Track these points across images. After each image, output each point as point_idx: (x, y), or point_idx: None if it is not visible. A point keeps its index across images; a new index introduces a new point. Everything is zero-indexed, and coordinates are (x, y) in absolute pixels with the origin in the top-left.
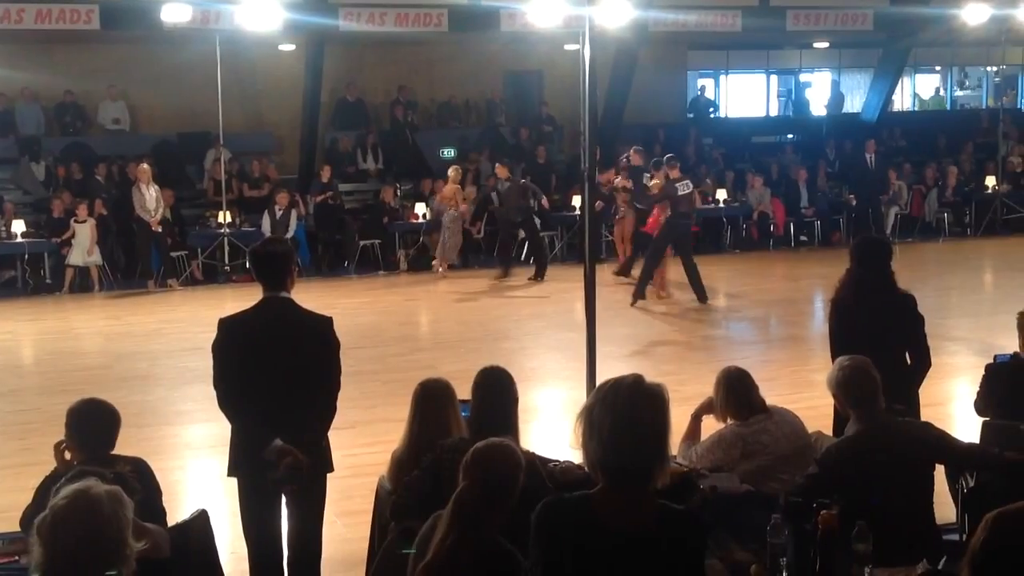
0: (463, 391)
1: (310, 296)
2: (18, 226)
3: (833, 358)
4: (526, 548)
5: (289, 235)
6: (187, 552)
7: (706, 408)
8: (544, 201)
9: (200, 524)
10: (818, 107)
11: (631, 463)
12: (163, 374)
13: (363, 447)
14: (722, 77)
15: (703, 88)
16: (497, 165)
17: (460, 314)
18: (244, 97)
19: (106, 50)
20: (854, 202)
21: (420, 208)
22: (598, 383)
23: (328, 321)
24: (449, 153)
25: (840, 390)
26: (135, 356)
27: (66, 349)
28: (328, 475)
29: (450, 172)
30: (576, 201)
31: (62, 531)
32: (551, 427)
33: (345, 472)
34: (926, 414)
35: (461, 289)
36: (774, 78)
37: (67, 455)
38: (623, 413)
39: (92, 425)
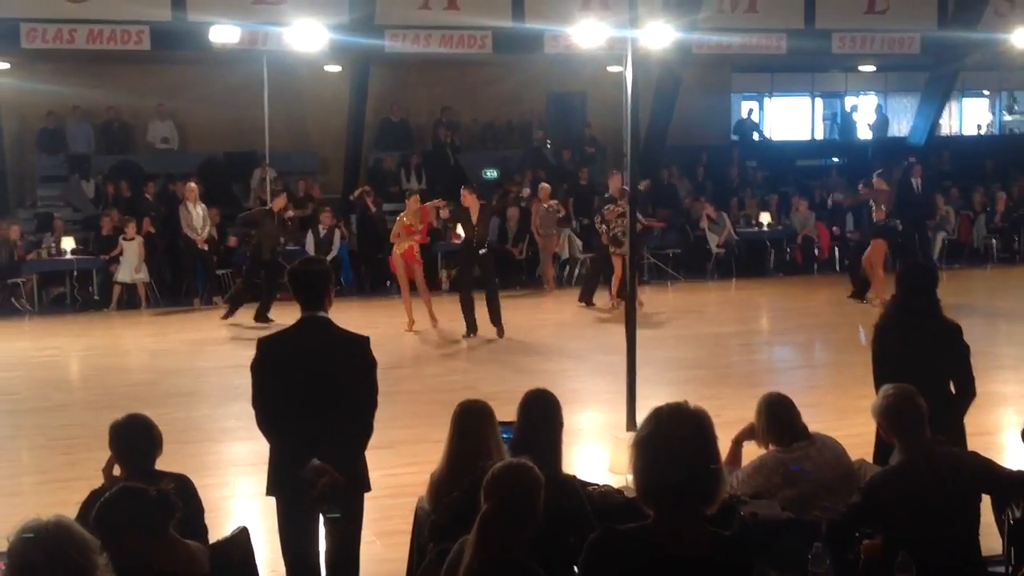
0: (502, 413)
1: (351, 315)
2: (68, 243)
3: (876, 385)
4: (560, 565)
5: (332, 254)
6: (228, 569)
7: (747, 434)
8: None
9: (241, 541)
10: (863, 130)
11: (684, 489)
12: (207, 391)
13: (402, 467)
14: (766, 99)
15: (751, 111)
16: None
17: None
18: (290, 117)
19: (156, 70)
20: (900, 227)
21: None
22: (638, 406)
23: (365, 340)
24: (491, 174)
25: (885, 418)
26: (180, 373)
27: (112, 365)
28: (367, 495)
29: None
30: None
31: (23, 560)
32: (591, 450)
33: (384, 492)
34: (973, 443)
35: (503, 310)
36: (819, 101)
37: (116, 471)
38: (674, 439)
39: (135, 441)
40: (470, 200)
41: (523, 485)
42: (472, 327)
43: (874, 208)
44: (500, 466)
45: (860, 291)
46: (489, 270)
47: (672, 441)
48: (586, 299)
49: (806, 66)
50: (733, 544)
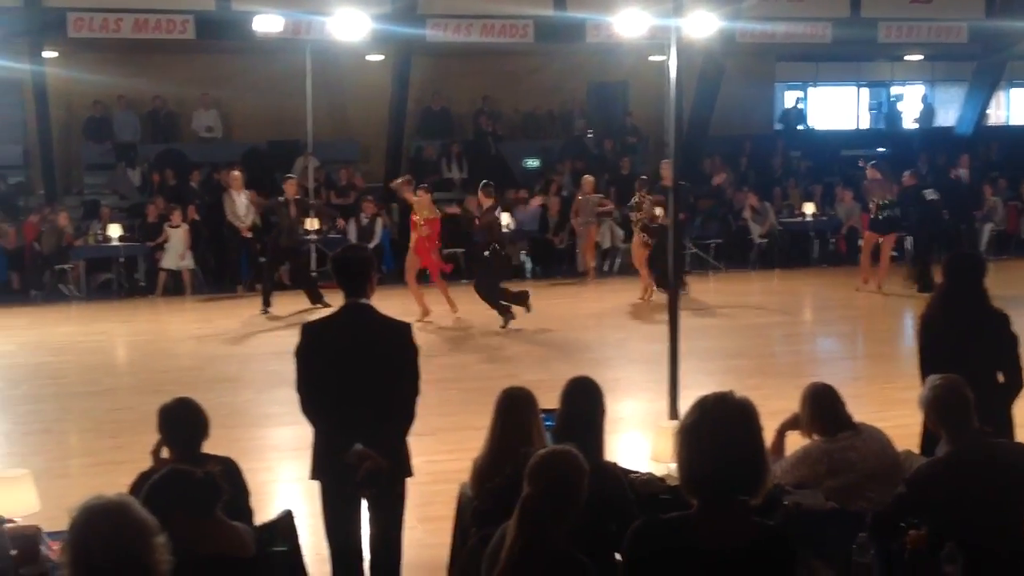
0: (544, 400)
1: (393, 303)
2: (114, 230)
3: (922, 376)
4: (602, 553)
5: (374, 243)
6: (273, 552)
7: (791, 423)
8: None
9: (286, 525)
10: (910, 120)
11: (729, 479)
12: (251, 377)
13: (444, 454)
14: (811, 89)
15: (798, 100)
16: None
17: (541, 324)
18: (332, 106)
19: (200, 59)
20: (947, 217)
21: (504, 218)
22: (681, 396)
23: (407, 327)
24: (532, 163)
25: (932, 409)
26: (224, 359)
27: (158, 350)
28: (409, 481)
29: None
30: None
31: (83, 537)
32: (632, 439)
33: (426, 478)
34: (1021, 434)
35: (542, 299)
36: (864, 90)
37: (164, 454)
38: (720, 429)
39: (183, 424)
40: (484, 200)
41: (566, 471)
42: (511, 312)
43: (868, 199)
44: (544, 452)
45: (925, 285)
46: (481, 270)
47: (717, 430)
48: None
49: (852, 55)
50: (777, 535)
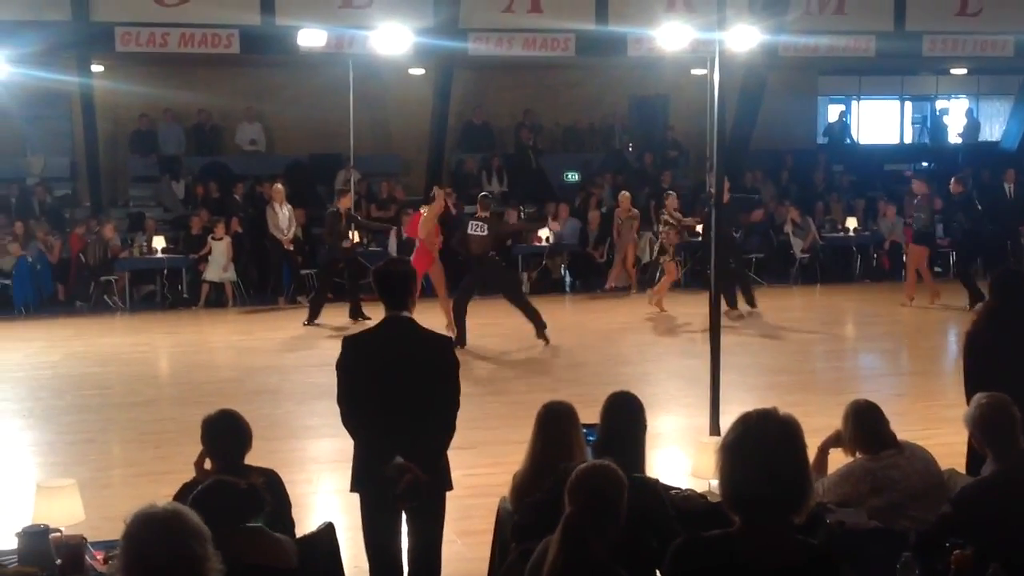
0: (582, 415)
1: (432, 316)
2: (158, 242)
3: (967, 394)
4: (642, 569)
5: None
6: (314, 563)
7: (833, 441)
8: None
9: (327, 536)
10: (954, 135)
11: (772, 497)
12: (291, 389)
13: (483, 468)
14: (854, 102)
15: (842, 114)
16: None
17: (581, 338)
18: (374, 120)
19: (244, 73)
20: (935, 232)
21: (544, 231)
22: (722, 411)
23: (448, 340)
24: (573, 177)
25: (978, 428)
26: (265, 370)
27: (200, 362)
28: (448, 494)
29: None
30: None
31: (138, 544)
32: (672, 454)
33: (465, 492)
34: None
35: (582, 312)
36: (908, 104)
37: (207, 465)
38: (763, 446)
39: (226, 436)
40: (481, 212)
41: (604, 486)
42: (540, 325)
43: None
44: (582, 468)
45: (974, 298)
46: (466, 280)
47: (760, 447)
48: (732, 303)
49: (895, 69)
50: (822, 555)
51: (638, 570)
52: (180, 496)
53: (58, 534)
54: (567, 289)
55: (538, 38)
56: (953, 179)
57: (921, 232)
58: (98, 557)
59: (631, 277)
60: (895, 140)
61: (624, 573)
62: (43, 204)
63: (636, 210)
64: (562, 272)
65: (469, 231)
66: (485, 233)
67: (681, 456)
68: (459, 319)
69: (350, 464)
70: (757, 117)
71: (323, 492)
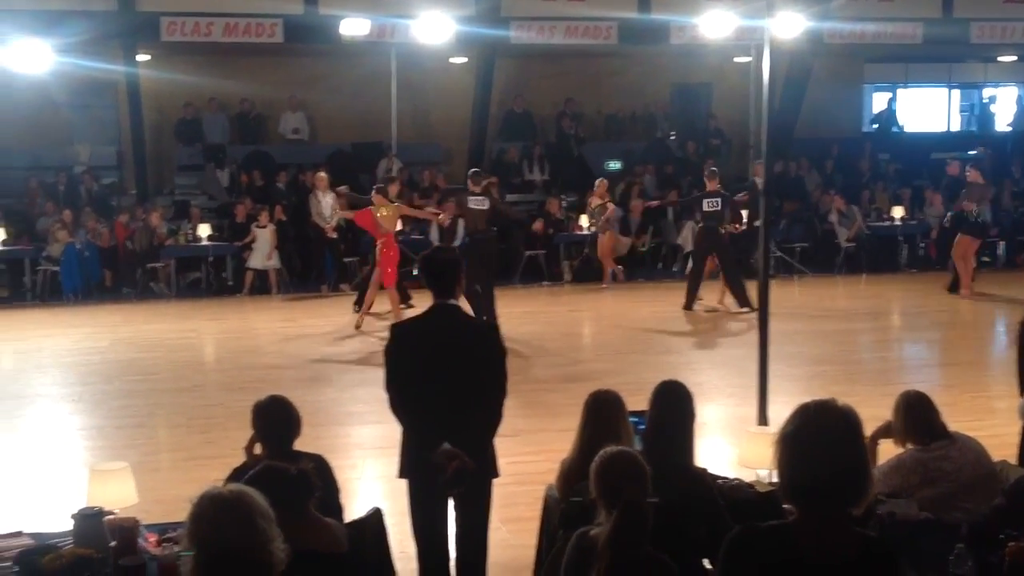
0: (627, 404)
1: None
2: (204, 230)
3: (1021, 385)
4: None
5: (456, 243)
6: (363, 548)
7: (884, 431)
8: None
9: (375, 522)
10: (1003, 123)
11: (832, 489)
12: (334, 376)
13: (527, 455)
14: (900, 90)
15: (890, 102)
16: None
17: (624, 326)
18: (415, 108)
19: (288, 62)
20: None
21: (584, 219)
22: (770, 401)
23: (495, 328)
24: (614, 166)
25: None
26: (308, 357)
27: (245, 348)
28: (493, 481)
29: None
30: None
31: (207, 523)
32: (717, 444)
33: (509, 480)
34: None
35: (625, 301)
36: (956, 92)
37: (257, 450)
38: (823, 437)
39: (276, 421)
40: (473, 188)
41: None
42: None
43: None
44: (602, 456)
45: (953, 285)
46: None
47: (820, 438)
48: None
49: (943, 56)
50: (884, 549)
51: (685, 558)
52: (231, 481)
53: (112, 516)
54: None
55: (580, 26)
56: (968, 166)
57: (973, 222)
58: (150, 539)
59: (608, 267)
60: (942, 128)
61: (671, 562)
62: (90, 192)
63: (610, 199)
64: None
65: (471, 206)
66: (486, 207)
67: (724, 445)
68: (490, 310)
69: (394, 450)
70: (802, 105)
71: (368, 478)
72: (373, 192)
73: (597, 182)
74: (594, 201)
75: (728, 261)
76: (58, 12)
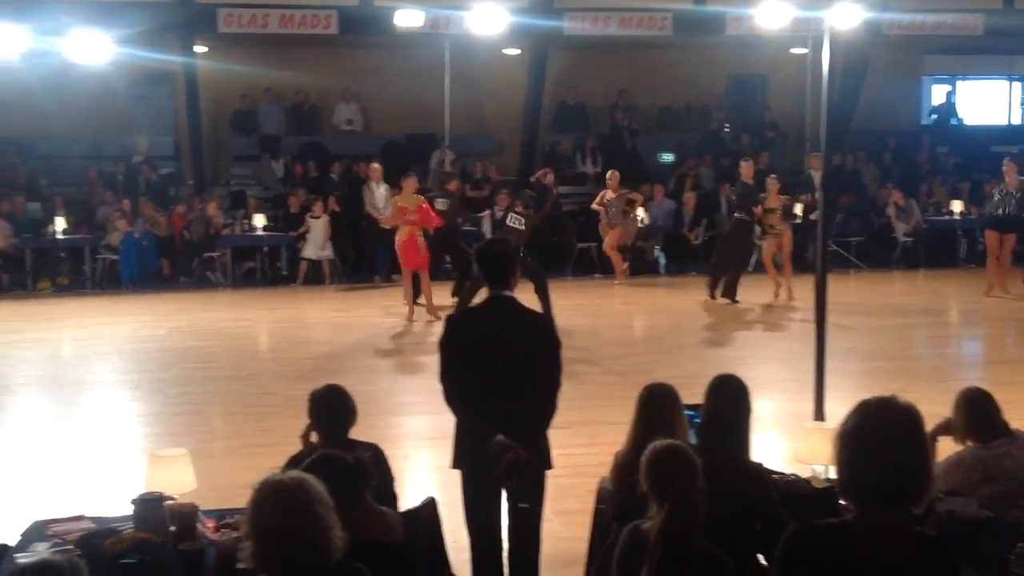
0: (681, 397)
1: (526, 296)
2: (259, 220)
3: None
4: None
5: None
6: (417, 538)
7: (943, 428)
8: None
9: (429, 511)
10: None
11: (892, 487)
12: (386, 366)
13: (579, 447)
14: (959, 82)
15: (949, 94)
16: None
17: (677, 320)
18: (468, 100)
19: (342, 54)
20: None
21: (640, 212)
22: (827, 397)
23: (550, 319)
24: (668, 158)
25: None
26: (362, 347)
27: (299, 337)
28: (547, 472)
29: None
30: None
31: (268, 510)
32: (771, 439)
33: (561, 472)
34: None
35: (676, 295)
36: (1017, 84)
37: (313, 438)
38: (884, 434)
39: (332, 410)
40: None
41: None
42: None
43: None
44: (651, 450)
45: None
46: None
47: (881, 435)
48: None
49: (1003, 48)
50: (944, 550)
51: (739, 554)
52: (289, 468)
53: (172, 502)
54: (661, 271)
55: (635, 17)
56: (1006, 159)
57: (991, 215)
58: (208, 525)
59: (619, 263)
60: (1003, 121)
61: (725, 558)
62: (148, 182)
63: (628, 191)
64: (655, 254)
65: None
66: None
67: (779, 440)
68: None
69: (446, 441)
70: (859, 97)
71: (420, 468)
72: (410, 178)
73: (608, 174)
74: (608, 194)
75: (740, 256)
76: (118, 3)
